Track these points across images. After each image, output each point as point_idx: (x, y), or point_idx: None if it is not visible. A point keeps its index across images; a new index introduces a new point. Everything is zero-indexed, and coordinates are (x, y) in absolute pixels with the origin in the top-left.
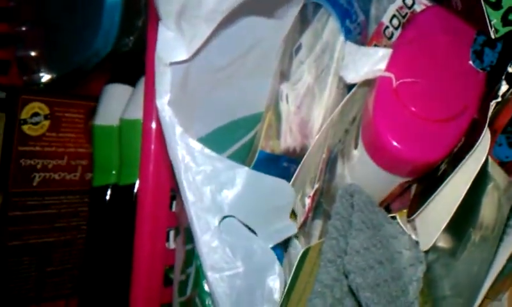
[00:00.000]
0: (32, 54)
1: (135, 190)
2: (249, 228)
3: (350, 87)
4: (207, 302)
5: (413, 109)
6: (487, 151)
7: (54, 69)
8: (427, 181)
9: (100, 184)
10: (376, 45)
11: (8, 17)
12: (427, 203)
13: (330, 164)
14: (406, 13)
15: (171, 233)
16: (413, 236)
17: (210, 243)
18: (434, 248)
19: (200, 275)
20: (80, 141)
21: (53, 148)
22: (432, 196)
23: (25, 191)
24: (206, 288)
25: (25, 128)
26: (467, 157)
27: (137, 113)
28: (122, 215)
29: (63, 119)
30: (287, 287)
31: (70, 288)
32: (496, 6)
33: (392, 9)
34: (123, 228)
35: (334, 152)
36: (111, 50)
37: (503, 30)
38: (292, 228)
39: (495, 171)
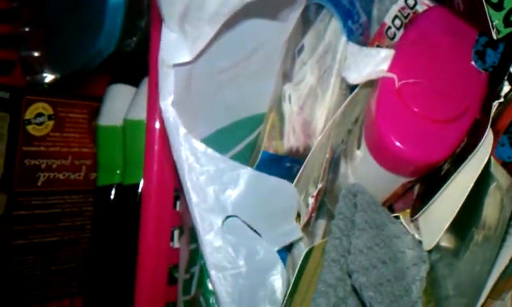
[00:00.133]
0: (36, 54)
1: (139, 189)
2: (253, 228)
3: (352, 87)
4: (211, 301)
5: (415, 109)
6: (489, 152)
7: (57, 69)
8: (430, 182)
9: (104, 184)
10: (378, 46)
11: (10, 18)
12: (430, 203)
13: (333, 164)
14: (408, 14)
15: (176, 233)
16: (416, 236)
17: (213, 243)
18: (437, 248)
19: (204, 275)
20: (84, 141)
21: (57, 148)
22: (435, 196)
23: (29, 191)
24: (210, 287)
25: (29, 128)
26: (470, 157)
27: (140, 113)
28: (126, 215)
29: (67, 119)
30: (290, 287)
31: (74, 287)
32: (498, 7)
33: (394, 10)
34: (127, 228)
35: (337, 152)
36: (113, 51)
37: (505, 31)
38: (296, 232)
39: (498, 171)
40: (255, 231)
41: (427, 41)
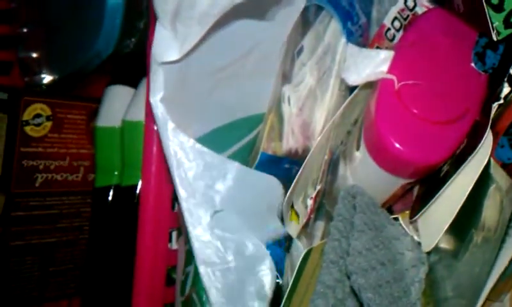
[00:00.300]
0: (34, 55)
1: (137, 191)
2: (241, 222)
3: (352, 89)
4: (204, 298)
5: (414, 110)
6: (489, 153)
7: (56, 70)
8: (430, 183)
9: (102, 185)
10: (377, 47)
11: (9, 19)
12: (429, 204)
13: (332, 166)
14: (408, 15)
15: (174, 234)
16: (415, 238)
17: (201, 237)
18: (436, 249)
19: (197, 273)
20: (82, 142)
21: (55, 149)
22: (435, 198)
23: (27, 192)
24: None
25: (27, 129)
26: (469, 158)
27: (139, 114)
28: (124, 216)
29: (65, 120)
30: (289, 288)
31: (72, 288)
32: (499, 9)
33: (393, 11)
34: (125, 229)
35: (336, 154)
36: (112, 52)
37: (505, 32)
38: (280, 229)
39: (497, 172)
40: (243, 225)
41: (427, 43)
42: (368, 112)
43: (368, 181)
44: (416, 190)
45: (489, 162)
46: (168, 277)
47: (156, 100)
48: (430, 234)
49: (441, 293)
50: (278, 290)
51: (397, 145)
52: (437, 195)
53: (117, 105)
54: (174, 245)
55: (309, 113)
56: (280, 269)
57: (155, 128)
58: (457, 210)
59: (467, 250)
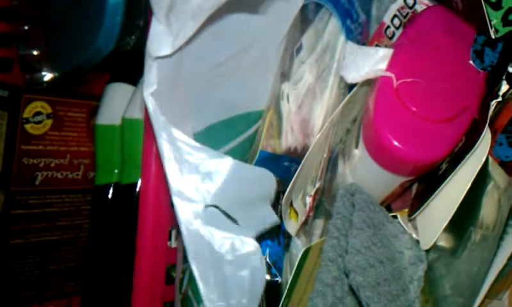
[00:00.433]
0: (35, 53)
1: (137, 189)
2: (233, 217)
3: (351, 87)
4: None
5: (413, 108)
6: (487, 151)
7: (56, 68)
8: (428, 181)
9: (102, 183)
10: (377, 45)
11: (10, 16)
12: (427, 202)
13: (331, 164)
14: (407, 13)
15: (173, 232)
16: (414, 236)
17: (192, 232)
18: (434, 247)
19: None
20: (82, 140)
21: (55, 147)
22: (433, 196)
23: (27, 190)
24: None
25: (27, 127)
26: (467, 156)
27: (139, 112)
28: (124, 214)
29: (66, 118)
30: (288, 286)
31: (72, 287)
32: (497, 7)
33: (393, 9)
34: (125, 227)
35: (335, 152)
36: (112, 50)
37: (503, 30)
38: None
39: (495, 170)
40: (235, 220)
41: (426, 41)
42: (367, 110)
43: (367, 179)
44: (414, 188)
45: (487, 159)
46: (168, 276)
47: (147, 94)
48: (428, 232)
49: (439, 291)
50: (277, 288)
51: (396, 143)
52: (435, 193)
53: (117, 103)
54: (174, 244)
55: (308, 111)
56: (278, 267)
57: None
58: (455, 208)
59: (465, 248)
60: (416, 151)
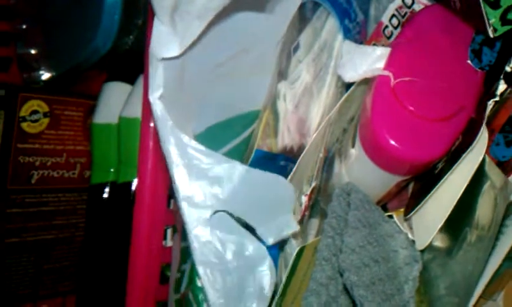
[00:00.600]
0: (32, 51)
1: (133, 188)
2: (241, 223)
3: (348, 86)
4: (200, 298)
5: (410, 107)
6: (484, 151)
7: (54, 67)
8: (424, 180)
9: (98, 182)
10: (375, 45)
11: (8, 15)
12: (423, 202)
13: (327, 163)
14: (406, 13)
15: (169, 231)
16: (410, 235)
17: (201, 238)
18: (430, 247)
19: (193, 272)
20: (79, 138)
21: (52, 146)
22: (429, 195)
23: (23, 188)
24: (199, 284)
25: (24, 125)
26: (464, 155)
27: (136, 111)
28: (120, 213)
29: (62, 117)
30: (282, 285)
31: (67, 286)
32: (495, 5)
33: (391, 9)
34: (120, 226)
35: (331, 151)
36: (110, 49)
37: (501, 29)
38: (292, 224)
39: (492, 170)
40: (244, 226)
41: (424, 40)
42: (364, 109)
43: (363, 178)
44: (411, 187)
45: (484, 159)
46: (162, 275)
47: (155, 97)
48: (424, 232)
49: (434, 291)
50: None
51: (392, 142)
52: (431, 192)
53: (114, 102)
54: (169, 243)
55: (305, 110)
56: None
57: (152, 125)
58: (451, 208)
59: (461, 248)
60: (413, 150)
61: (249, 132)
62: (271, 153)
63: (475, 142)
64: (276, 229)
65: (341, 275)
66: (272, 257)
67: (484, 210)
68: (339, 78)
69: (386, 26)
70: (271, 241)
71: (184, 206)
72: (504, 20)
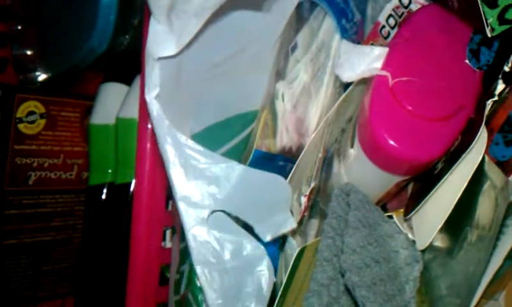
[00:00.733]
0: (28, 52)
1: (131, 189)
2: (239, 223)
3: (346, 86)
4: (199, 298)
5: (409, 107)
6: (483, 150)
7: (50, 68)
8: (424, 180)
9: (96, 183)
10: (372, 45)
11: (4, 16)
12: (423, 202)
13: (326, 163)
14: (403, 13)
15: (168, 232)
16: (410, 236)
17: (198, 238)
18: (430, 247)
19: (192, 272)
20: (76, 139)
21: (49, 147)
22: (429, 195)
23: (20, 190)
24: (198, 284)
25: (21, 126)
26: (463, 155)
27: (133, 112)
28: (118, 214)
29: (59, 118)
30: (282, 286)
31: (66, 287)
32: (493, 5)
33: (388, 9)
34: (119, 227)
35: (330, 151)
36: (106, 49)
37: (499, 29)
38: (289, 222)
39: (492, 170)
40: (242, 225)
41: (421, 40)
42: (363, 109)
43: (362, 178)
44: (410, 187)
45: (483, 159)
46: (162, 276)
47: (151, 97)
48: (424, 232)
49: (435, 291)
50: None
51: (391, 142)
52: (431, 192)
53: (111, 103)
54: (168, 244)
55: (303, 110)
56: (274, 267)
57: (149, 125)
58: (451, 208)
59: (461, 248)
60: (411, 150)
61: (248, 132)
62: (269, 153)
63: (474, 142)
64: (274, 226)
65: (342, 275)
66: (272, 258)
67: (485, 209)
68: (337, 78)
69: (383, 26)
70: (268, 237)
71: (181, 206)
72: (501, 19)
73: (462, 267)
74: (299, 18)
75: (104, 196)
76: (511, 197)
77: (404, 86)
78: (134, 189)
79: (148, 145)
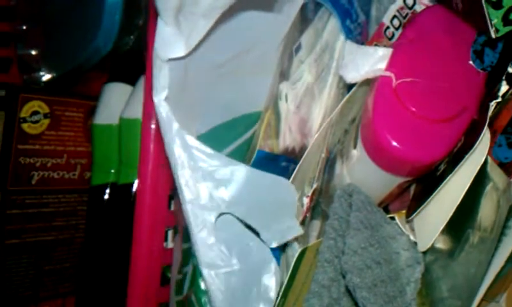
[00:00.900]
0: (33, 52)
1: (134, 189)
2: (247, 226)
3: (350, 87)
4: (203, 301)
5: (412, 108)
6: (486, 152)
7: (54, 68)
8: (426, 182)
9: (98, 183)
10: (376, 45)
11: (9, 16)
12: (425, 203)
13: (329, 164)
14: (407, 14)
15: (170, 233)
16: (412, 237)
17: (206, 240)
18: (432, 249)
19: (196, 274)
20: (79, 139)
21: (52, 147)
22: (431, 197)
23: (23, 189)
24: (202, 286)
25: (24, 126)
26: (466, 157)
27: (136, 112)
28: (121, 214)
29: (63, 117)
30: (283, 287)
31: (67, 287)
32: (497, 6)
33: (392, 10)
34: (121, 227)
35: (333, 152)
36: (111, 49)
37: (504, 30)
38: (295, 229)
39: (494, 171)
40: (249, 228)
41: (426, 41)
42: (366, 110)
43: (365, 179)
44: (412, 189)
45: (486, 160)
46: (163, 276)
47: (160, 99)
48: (426, 233)
49: (436, 293)
50: None
51: (394, 143)
52: (433, 194)
53: (115, 103)
54: (170, 244)
55: (306, 111)
56: None
57: (153, 126)
58: (453, 210)
59: (463, 250)
60: (415, 151)
61: (252, 133)
62: (272, 153)
63: (477, 143)
64: (279, 233)
65: (343, 277)
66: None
67: (487, 211)
68: (341, 78)
69: (388, 27)
70: (274, 245)
71: (189, 209)
72: (506, 20)
73: (463, 269)
74: (304, 18)
75: (106, 196)
76: None
77: (408, 87)
78: (136, 189)
79: (152, 145)
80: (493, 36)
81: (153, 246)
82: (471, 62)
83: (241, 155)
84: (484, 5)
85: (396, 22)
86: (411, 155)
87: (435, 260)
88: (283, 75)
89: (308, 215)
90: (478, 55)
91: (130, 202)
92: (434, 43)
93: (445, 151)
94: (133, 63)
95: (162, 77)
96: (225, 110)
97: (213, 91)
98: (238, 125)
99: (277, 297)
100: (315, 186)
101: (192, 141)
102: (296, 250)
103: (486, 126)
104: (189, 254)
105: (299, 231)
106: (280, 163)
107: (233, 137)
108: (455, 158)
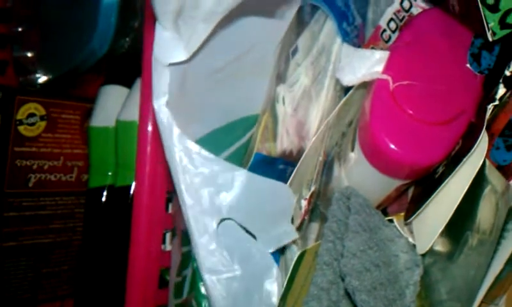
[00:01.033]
0: (29, 54)
1: (131, 191)
2: (248, 231)
3: (347, 89)
4: (203, 305)
5: (410, 111)
6: (484, 155)
7: (50, 70)
8: (425, 184)
9: (96, 185)
10: (373, 48)
11: (4, 18)
12: (424, 206)
13: (327, 167)
14: (404, 16)
15: (167, 235)
16: (410, 240)
17: (207, 246)
18: (431, 251)
19: (196, 278)
20: (76, 142)
21: (49, 149)
22: (430, 199)
23: (20, 192)
24: (203, 290)
25: (21, 128)
26: (464, 160)
27: (133, 114)
28: (118, 217)
29: (59, 120)
30: (282, 290)
31: (65, 290)
32: (494, 9)
33: (389, 12)
34: (118, 230)
35: (331, 155)
36: (107, 51)
37: (500, 33)
38: (291, 234)
39: (493, 174)
40: (250, 233)
41: (422, 43)
42: (363, 113)
43: (362, 182)
44: (411, 191)
45: (484, 163)
46: (161, 279)
47: (160, 104)
48: (425, 236)
49: (435, 296)
50: None
51: (392, 146)
52: (432, 197)
53: (111, 105)
54: (167, 247)
55: (304, 113)
56: None
57: (150, 128)
58: (452, 212)
59: (462, 252)
60: (412, 154)
61: (249, 136)
62: (270, 156)
63: (475, 146)
64: (276, 237)
65: (342, 279)
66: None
67: (486, 214)
68: (338, 81)
69: (384, 30)
70: (272, 249)
71: (190, 214)
72: (503, 23)
73: (462, 272)
74: (300, 21)
75: (103, 199)
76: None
77: (405, 89)
78: (134, 192)
79: (149, 148)
80: (490, 39)
81: (151, 248)
82: (468, 65)
83: (239, 159)
84: (481, 8)
85: (393, 25)
86: (408, 157)
87: (434, 263)
88: (280, 77)
89: (306, 217)
90: (475, 58)
91: (128, 204)
92: (431, 46)
93: (443, 154)
94: (129, 65)
95: (162, 82)
96: (223, 113)
97: (211, 95)
98: (236, 128)
99: (277, 301)
100: (313, 189)
101: (193, 146)
102: (294, 253)
103: (483, 129)
104: (188, 258)
105: (294, 236)
106: (278, 166)
107: (231, 140)
108: (453, 161)
